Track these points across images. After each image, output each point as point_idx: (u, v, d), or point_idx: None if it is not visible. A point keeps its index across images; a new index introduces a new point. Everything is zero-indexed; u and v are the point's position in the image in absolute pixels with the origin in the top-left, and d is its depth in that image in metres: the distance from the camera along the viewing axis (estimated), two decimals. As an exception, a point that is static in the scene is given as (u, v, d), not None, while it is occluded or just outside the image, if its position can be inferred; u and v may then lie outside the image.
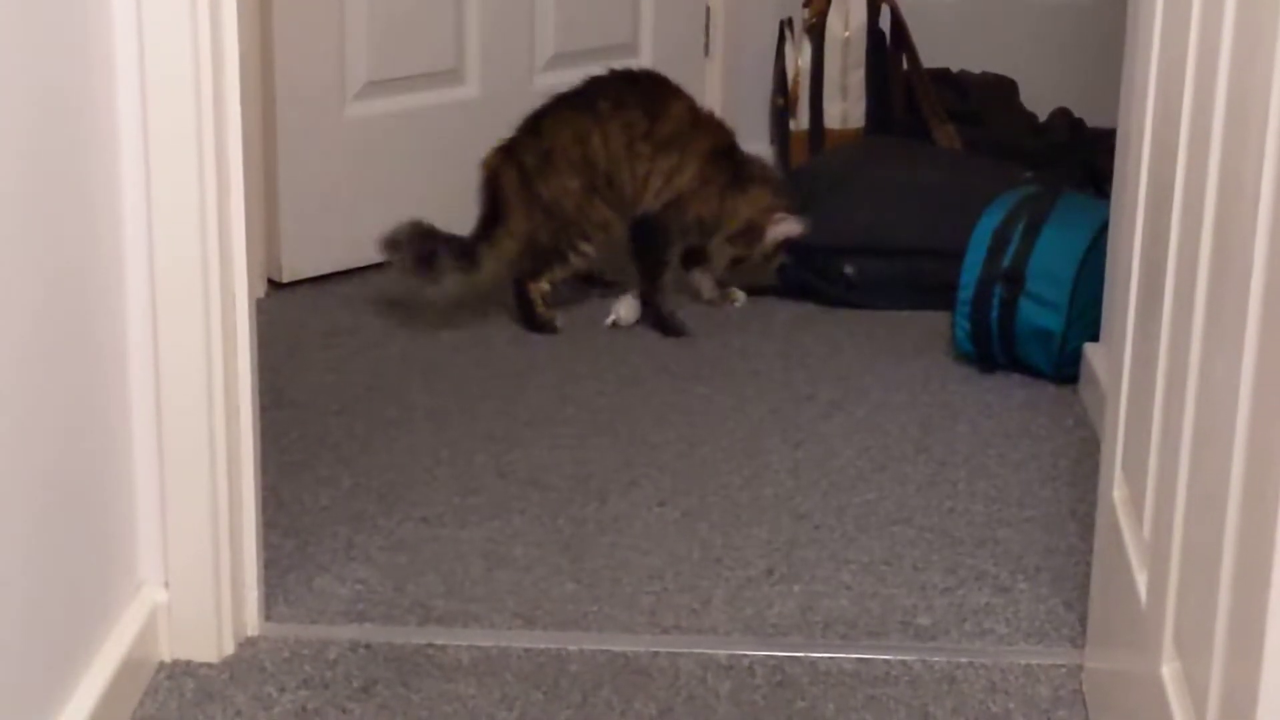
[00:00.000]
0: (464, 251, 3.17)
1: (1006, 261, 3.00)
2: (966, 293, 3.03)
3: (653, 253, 3.27)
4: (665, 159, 3.24)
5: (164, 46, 1.99)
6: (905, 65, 3.92)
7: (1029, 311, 2.98)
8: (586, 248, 3.24)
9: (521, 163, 3.22)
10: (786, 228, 3.29)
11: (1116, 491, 1.99)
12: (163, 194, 2.03)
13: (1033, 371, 3.02)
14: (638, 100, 3.26)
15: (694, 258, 3.35)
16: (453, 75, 3.53)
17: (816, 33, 3.87)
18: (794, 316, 3.31)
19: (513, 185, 3.22)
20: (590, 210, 3.23)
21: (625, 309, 3.26)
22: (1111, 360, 2.19)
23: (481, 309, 3.31)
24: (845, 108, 3.90)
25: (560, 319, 3.23)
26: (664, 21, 3.77)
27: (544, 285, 3.23)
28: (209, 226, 2.06)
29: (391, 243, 3.14)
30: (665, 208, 3.25)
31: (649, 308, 3.26)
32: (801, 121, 3.91)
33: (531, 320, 3.22)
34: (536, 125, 3.24)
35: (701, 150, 3.27)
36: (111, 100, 1.99)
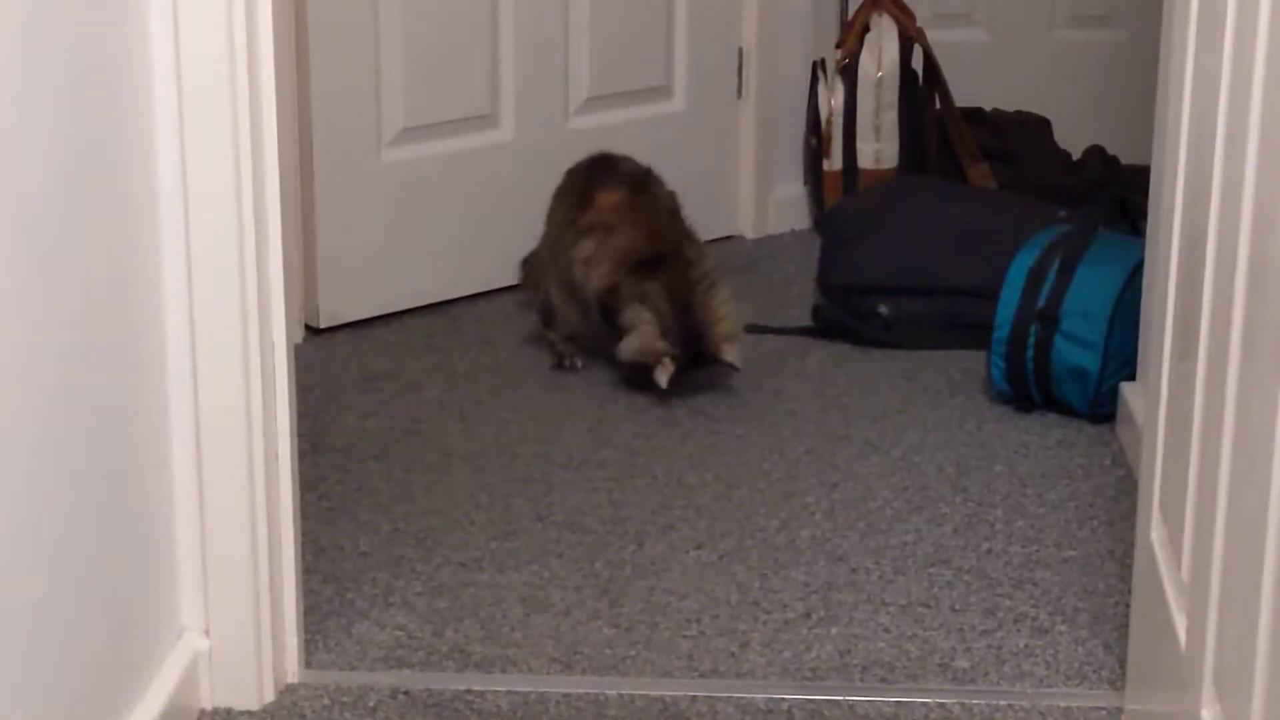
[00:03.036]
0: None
1: (1042, 300, 3.00)
2: (1002, 332, 3.02)
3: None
4: (582, 247, 3.13)
5: (202, 97, 2.01)
6: (938, 104, 3.93)
7: (1065, 350, 2.98)
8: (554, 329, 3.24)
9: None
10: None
11: (1154, 532, 1.98)
12: (201, 245, 2.05)
13: (1069, 411, 3.01)
14: (581, 185, 3.20)
15: None
16: (487, 120, 3.54)
17: (849, 73, 3.89)
18: (829, 357, 3.31)
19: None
20: (563, 308, 3.20)
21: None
22: (1148, 400, 2.18)
23: (515, 352, 3.32)
24: (879, 148, 3.91)
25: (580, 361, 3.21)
26: (697, 64, 3.79)
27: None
28: (248, 276, 2.08)
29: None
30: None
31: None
32: (835, 162, 3.91)
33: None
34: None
35: (619, 248, 3.10)
36: (150, 150, 2.01)
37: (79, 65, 1.82)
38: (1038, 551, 2.57)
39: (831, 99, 3.90)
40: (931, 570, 2.51)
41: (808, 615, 2.39)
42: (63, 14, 1.77)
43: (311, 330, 3.40)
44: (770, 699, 2.19)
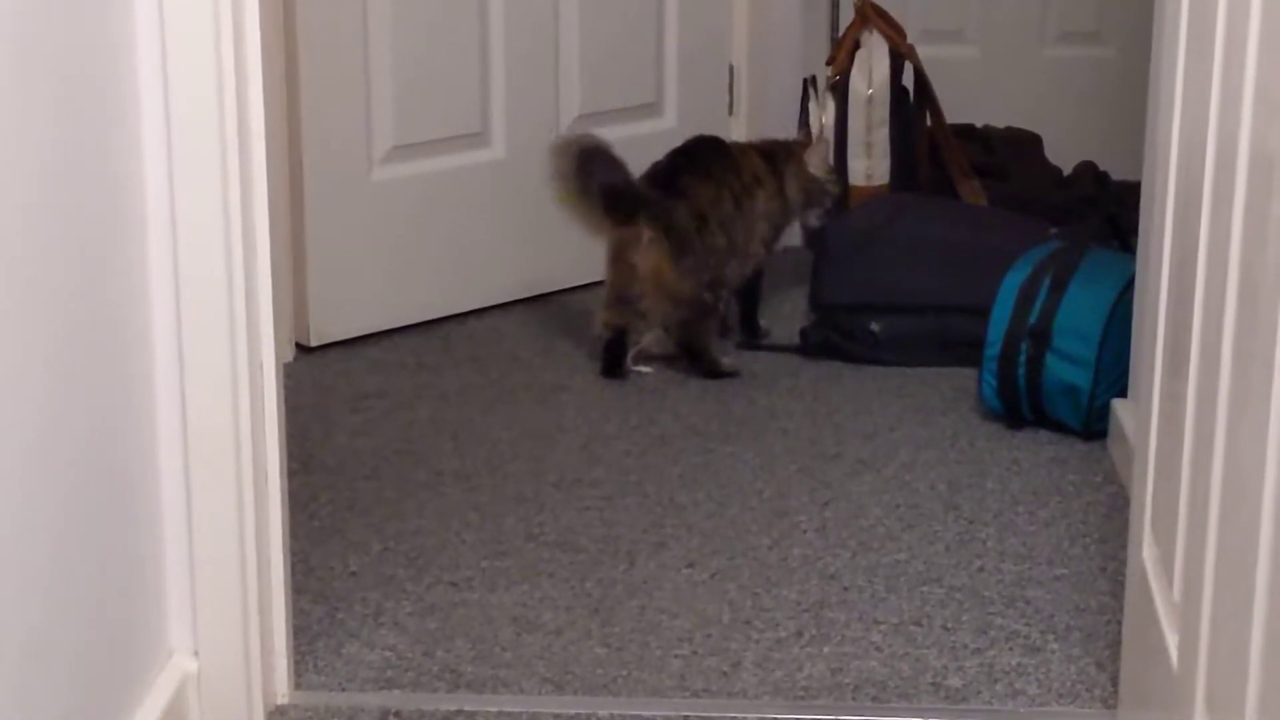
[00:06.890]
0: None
1: (1033, 318, 3.00)
2: (993, 349, 3.02)
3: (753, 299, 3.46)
4: (763, 204, 3.40)
5: (190, 114, 2.01)
6: (929, 121, 3.92)
7: (1056, 368, 2.97)
8: (725, 295, 3.37)
9: (671, 227, 3.26)
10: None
11: (1146, 550, 1.98)
12: (190, 263, 2.04)
13: (1061, 428, 3.01)
14: (729, 160, 3.38)
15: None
16: (478, 138, 3.54)
17: (840, 90, 3.88)
18: (820, 375, 3.31)
19: (664, 253, 3.26)
20: (727, 268, 3.33)
21: (651, 339, 3.33)
22: (1139, 417, 2.18)
23: (507, 370, 3.32)
24: (870, 165, 3.90)
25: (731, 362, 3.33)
26: (688, 81, 3.79)
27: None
28: (236, 294, 2.07)
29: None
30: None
31: (699, 358, 3.29)
32: (826, 179, 3.91)
33: (716, 371, 3.29)
34: (674, 187, 3.28)
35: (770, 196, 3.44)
36: (138, 167, 2.01)
37: (65, 79, 1.82)
38: (1030, 569, 2.56)
39: (823, 116, 3.90)
40: (923, 588, 2.51)
41: (800, 634, 2.39)
42: (48, 27, 1.77)
43: (301, 349, 3.39)
44: (762, 718, 2.18)
